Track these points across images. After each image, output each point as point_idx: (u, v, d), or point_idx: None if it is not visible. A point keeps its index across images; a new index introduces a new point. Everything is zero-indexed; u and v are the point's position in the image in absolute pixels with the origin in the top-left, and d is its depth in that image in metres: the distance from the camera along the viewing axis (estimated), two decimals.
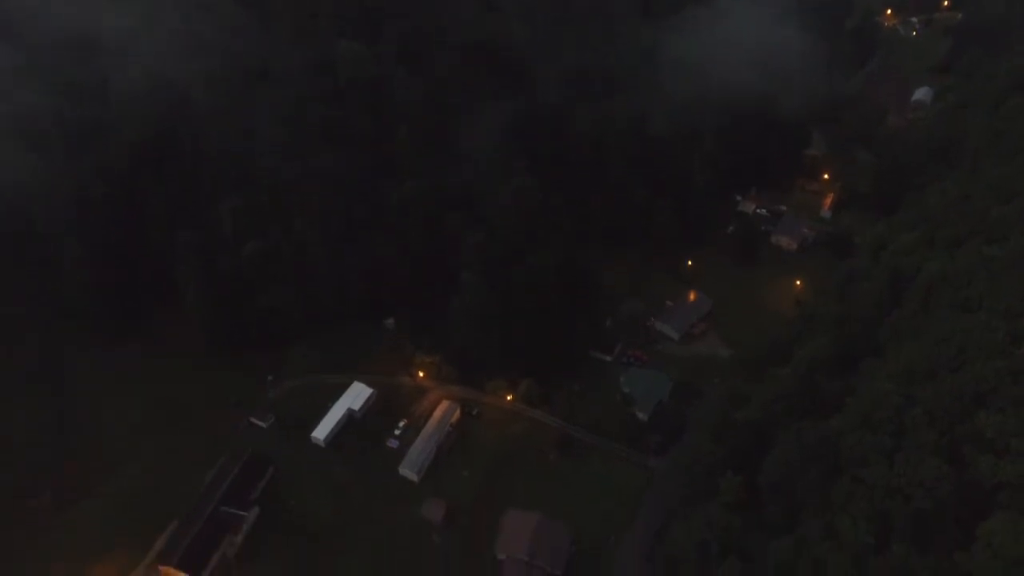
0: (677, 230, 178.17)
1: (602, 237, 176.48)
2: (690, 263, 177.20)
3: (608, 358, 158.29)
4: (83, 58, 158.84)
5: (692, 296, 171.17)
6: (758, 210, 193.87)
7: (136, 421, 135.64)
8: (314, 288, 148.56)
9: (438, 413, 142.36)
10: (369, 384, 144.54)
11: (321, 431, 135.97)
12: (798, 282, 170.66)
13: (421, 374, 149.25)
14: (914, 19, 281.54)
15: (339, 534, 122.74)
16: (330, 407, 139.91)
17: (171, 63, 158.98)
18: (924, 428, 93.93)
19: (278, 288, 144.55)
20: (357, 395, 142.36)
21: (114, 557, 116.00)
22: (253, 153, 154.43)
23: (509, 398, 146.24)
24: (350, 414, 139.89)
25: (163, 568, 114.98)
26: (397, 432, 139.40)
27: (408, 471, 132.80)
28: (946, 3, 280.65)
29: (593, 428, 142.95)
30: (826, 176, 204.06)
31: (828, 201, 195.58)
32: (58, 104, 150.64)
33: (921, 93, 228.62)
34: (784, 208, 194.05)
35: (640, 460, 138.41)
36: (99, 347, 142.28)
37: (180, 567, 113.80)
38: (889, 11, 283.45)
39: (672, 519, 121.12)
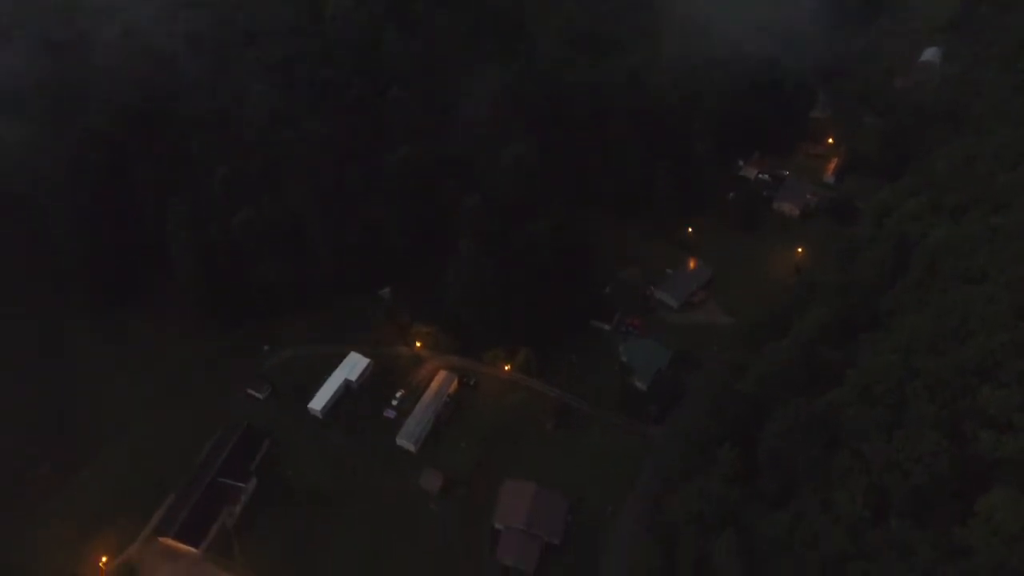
0: (677, 196, 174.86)
1: (601, 203, 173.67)
2: (690, 230, 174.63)
3: (607, 327, 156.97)
4: (64, 18, 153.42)
5: (692, 264, 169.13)
6: (760, 175, 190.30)
7: (132, 392, 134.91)
8: (308, 257, 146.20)
9: (435, 383, 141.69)
10: (365, 354, 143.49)
11: (318, 402, 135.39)
12: (799, 249, 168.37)
13: (418, 344, 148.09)
14: None
15: (337, 505, 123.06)
16: (326, 378, 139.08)
17: (155, 23, 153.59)
18: (925, 402, 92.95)
19: (271, 258, 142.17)
20: (353, 365, 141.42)
21: (114, 528, 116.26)
22: (242, 117, 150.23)
23: (507, 368, 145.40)
24: (347, 385, 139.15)
25: (162, 539, 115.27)
26: (394, 402, 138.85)
27: (405, 441, 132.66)
28: None
29: (591, 398, 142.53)
30: (831, 140, 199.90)
31: (832, 166, 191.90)
32: (40, 66, 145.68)
33: (929, 54, 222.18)
34: (787, 173, 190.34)
35: (638, 429, 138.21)
36: (95, 318, 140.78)
37: (179, 538, 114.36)
38: None
39: (669, 490, 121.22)
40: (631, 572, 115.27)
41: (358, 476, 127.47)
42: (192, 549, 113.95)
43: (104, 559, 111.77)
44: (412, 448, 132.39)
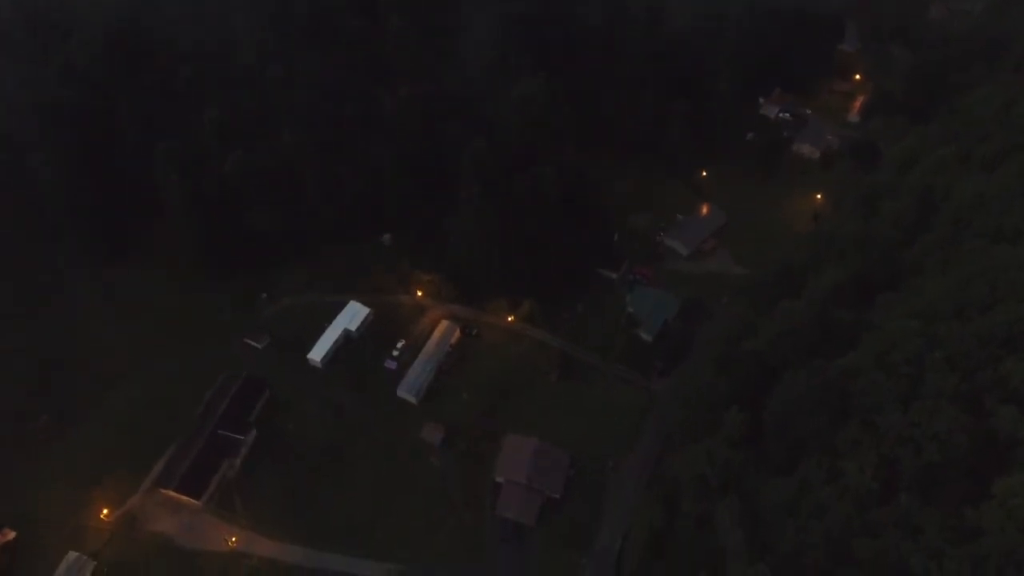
0: (692, 137, 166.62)
1: (612, 145, 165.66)
2: (704, 174, 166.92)
3: (614, 275, 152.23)
4: None
5: (705, 209, 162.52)
6: (781, 114, 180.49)
7: (128, 342, 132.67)
8: (305, 203, 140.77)
9: (437, 333, 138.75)
10: (366, 303, 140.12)
11: (317, 352, 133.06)
12: (818, 196, 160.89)
13: (419, 293, 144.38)
14: None
15: (337, 457, 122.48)
16: (326, 327, 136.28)
17: None
18: (944, 373, 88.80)
19: (266, 204, 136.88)
20: (353, 315, 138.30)
21: (114, 479, 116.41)
22: (233, 54, 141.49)
23: (510, 318, 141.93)
24: (346, 335, 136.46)
25: (163, 491, 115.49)
26: (395, 353, 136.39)
27: (406, 393, 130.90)
28: None
29: (596, 349, 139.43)
30: (857, 76, 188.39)
31: (857, 104, 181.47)
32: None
33: None
34: (809, 112, 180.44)
35: (643, 383, 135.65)
36: (87, 267, 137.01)
37: (179, 490, 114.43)
38: None
39: (672, 449, 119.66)
40: (632, 528, 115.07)
41: (359, 428, 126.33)
42: (193, 501, 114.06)
43: (105, 511, 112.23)
44: (413, 400, 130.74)
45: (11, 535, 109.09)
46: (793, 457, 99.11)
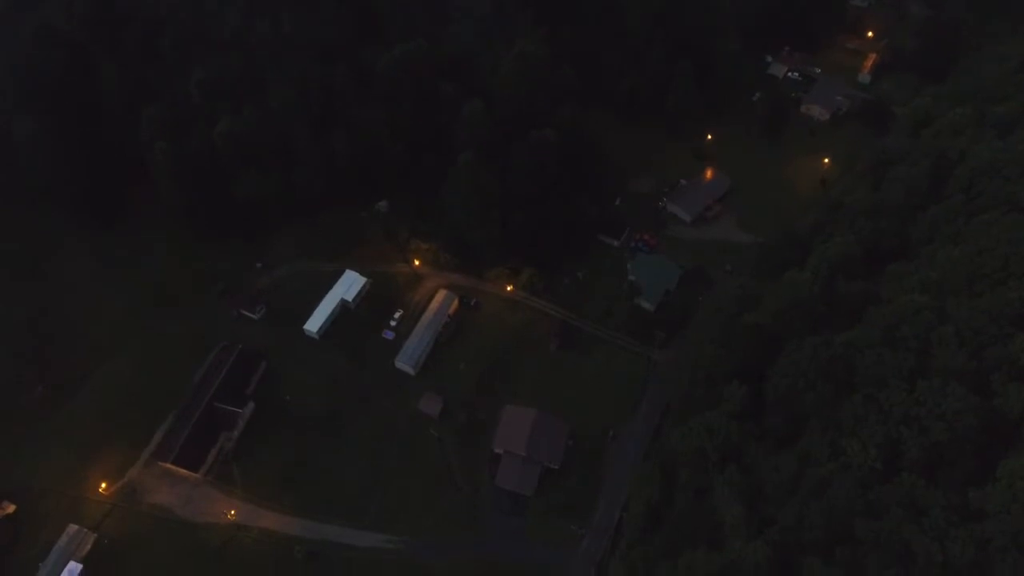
0: (697, 97, 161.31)
1: (614, 106, 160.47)
2: (709, 136, 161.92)
3: (615, 242, 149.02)
4: None
5: (709, 174, 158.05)
6: (790, 73, 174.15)
7: (123, 311, 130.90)
8: (296, 168, 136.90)
9: (435, 303, 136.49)
10: (362, 272, 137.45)
11: (314, 323, 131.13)
12: (826, 160, 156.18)
13: (417, 262, 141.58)
14: None
15: (335, 429, 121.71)
16: (322, 297, 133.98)
17: None
18: (953, 350, 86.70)
19: (257, 169, 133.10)
20: (350, 284, 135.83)
21: (113, 451, 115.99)
22: (220, 14, 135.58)
23: (509, 287, 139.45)
24: (343, 305, 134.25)
25: (162, 463, 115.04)
26: (392, 323, 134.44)
27: (404, 364, 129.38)
28: None
29: (597, 319, 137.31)
30: (870, 33, 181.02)
31: (869, 63, 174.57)
32: None
33: None
34: (818, 71, 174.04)
35: (644, 353, 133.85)
36: (77, 237, 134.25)
37: (178, 463, 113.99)
38: None
39: (671, 420, 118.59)
40: (629, 499, 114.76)
41: (356, 400, 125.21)
42: (191, 474, 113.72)
43: (104, 484, 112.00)
44: (411, 371, 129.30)
45: (11, 508, 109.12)
46: (795, 432, 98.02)
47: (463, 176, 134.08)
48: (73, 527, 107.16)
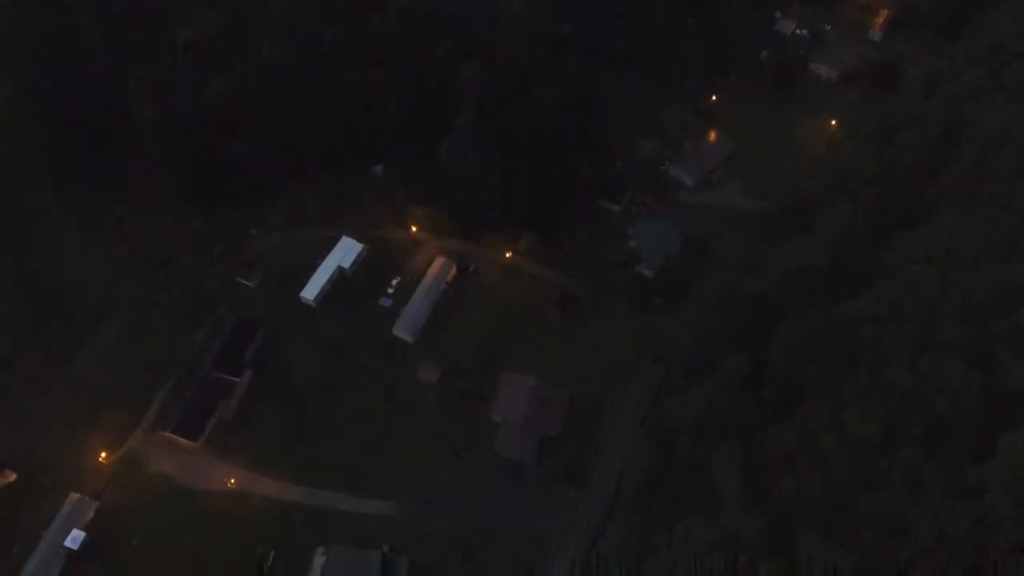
0: (702, 54, 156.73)
1: (615, 64, 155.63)
2: (714, 98, 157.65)
3: (616, 207, 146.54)
4: None
5: (712, 136, 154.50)
6: (798, 31, 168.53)
7: (116, 278, 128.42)
8: (290, 131, 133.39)
9: (433, 270, 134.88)
10: (359, 238, 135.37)
11: (310, 291, 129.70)
12: (833, 122, 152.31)
13: (414, 227, 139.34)
14: None
15: (333, 397, 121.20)
16: (318, 264, 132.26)
17: None
18: (956, 324, 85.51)
19: (249, 132, 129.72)
20: (347, 251, 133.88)
21: (111, 419, 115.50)
22: None
23: (508, 254, 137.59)
24: (340, 272, 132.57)
25: (160, 432, 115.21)
26: (390, 291, 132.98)
27: (402, 332, 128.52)
28: None
29: (597, 285, 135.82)
30: None
31: (881, 19, 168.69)
32: None
33: None
34: (828, 28, 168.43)
35: (644, 320, 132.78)
36: (67, 203, 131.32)
37: (177, 432, 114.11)
38: None
39: (670, 388, 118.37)
40: (627, 466, 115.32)
41: (354, 367, 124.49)
42: (191, 443, 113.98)
43: (104, 454, 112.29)
44: (409, 339, 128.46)
45: (12, 476, 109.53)
46: (794, 404, 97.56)
47: (461, 138, 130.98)
48: (75, 495, 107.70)
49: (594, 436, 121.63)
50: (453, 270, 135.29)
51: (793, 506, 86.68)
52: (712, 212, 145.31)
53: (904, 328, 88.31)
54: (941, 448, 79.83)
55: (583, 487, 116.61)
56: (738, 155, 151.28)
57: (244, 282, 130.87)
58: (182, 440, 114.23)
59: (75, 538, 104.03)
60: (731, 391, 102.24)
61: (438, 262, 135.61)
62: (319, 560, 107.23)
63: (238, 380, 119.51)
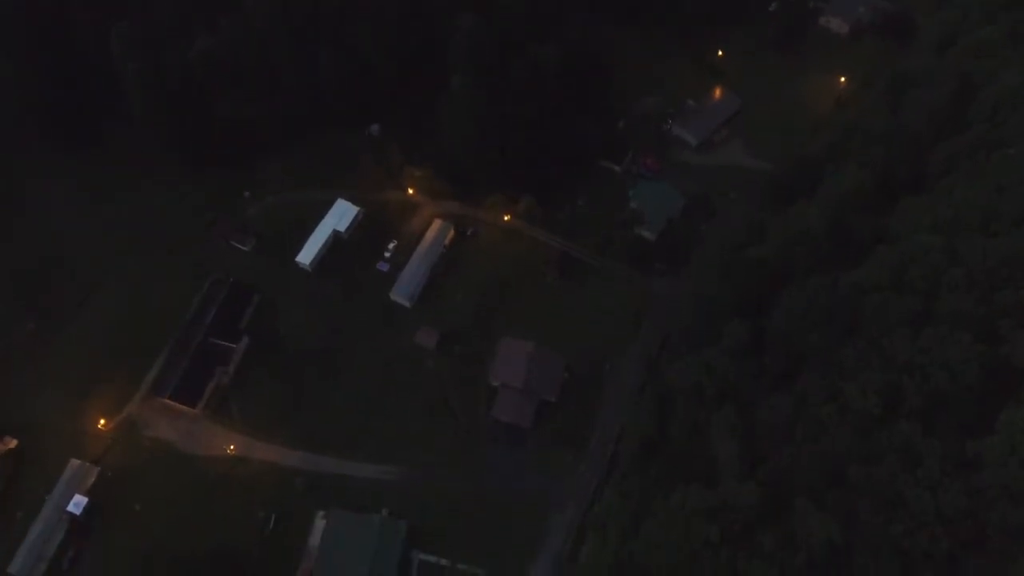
0: (709, 6, 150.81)
1: (617, 14, 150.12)
2: (720, 52, 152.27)
3: (617, 168, 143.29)
4: None
5: (718, 93, 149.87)
6: None
7: (108, 243, 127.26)
8: (281, 90, 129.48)
9: (430, 233, 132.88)
10: (354, 201, 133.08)
11: (306, 255, 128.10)
12: (843, 79, 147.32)
13: (411, 190, 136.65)
14: None
15: (331, 362, 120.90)
16: (314, 227, 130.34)
17: None
18: (961, 294, 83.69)
19: (238, 91, 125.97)
20: (342, 214, 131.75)
21: (109, 386, 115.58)
22: None
23: (507, 216, 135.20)
24: (336, 236, 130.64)
25: (158, 399, 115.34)
26: (387, 254, 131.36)
27: (400, 297, 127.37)
28: None
29: (596, 248, 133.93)
30: None
31: None
32: None
33: None
34: None
35: (644, 283, 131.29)
36: (56, 167, 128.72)
37: (175, 399, 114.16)
38: None
39: (669, 354, 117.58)
40: (625, 430, 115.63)
41: (352, 333, 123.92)
42: (190, 409, 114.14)
43: (103, 421, 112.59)
44: (407, 304, 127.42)
45: (12, 443, 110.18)
46: (794, 372, 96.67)
47: (458, 96, 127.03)
48: (75, 461, 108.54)
49: (593, 400, 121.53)
50: (451, 233, 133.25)
51: (790, 476, 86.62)
52: (716, 173, 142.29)
53: (907, 299, 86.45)
54: (940, 422, 79.02)
55: (581, 451, 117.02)
56: (744, 113, 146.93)
57: (238, 246, 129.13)
58: (181, 406, 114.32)
59: (78, 503, 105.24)
60: (731, 358, 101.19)
61: (436, 225, 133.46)
62: (320, 523, 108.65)
63: (235, 346, 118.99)
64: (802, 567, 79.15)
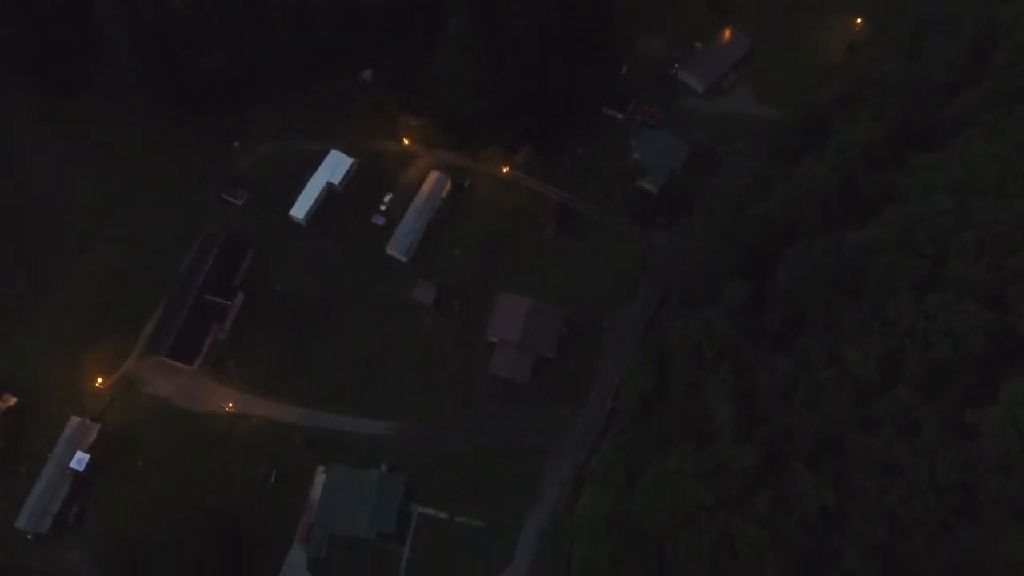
0: None
1: None
2: None
3: (620, 115, 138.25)
4: None
5: (727, 35, 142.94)
6: None
7: (97, 197, 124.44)
8: (268, 33, 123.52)
9: (427, 186, 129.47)
10: (348, 151, 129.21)
11: (300, 208, 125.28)
12: (858, 21, 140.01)
13: (407, 140, 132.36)
14: None
15: (327, 317, 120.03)
16: (307, 179, 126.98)
17: None
18: (971, 258, 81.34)
19: (223, 36, 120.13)
20: (336, 166, 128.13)
21: (106, 343, 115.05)
22: None
23: (505, 168, 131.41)
24: (330, 188, 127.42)
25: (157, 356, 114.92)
26: (383, 207, 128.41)
27: (396, 251, 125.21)
28: None
29: (597, 201, 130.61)
30: None
31: None
32: None
33: None
34: None
35: (645, 237, 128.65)
36: (38, 117, 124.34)
37: (171, 356, 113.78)
38: None
39: (669, 312, 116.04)
40: (624, 387, 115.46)
41: (348, 288, 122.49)
42: (187, 366, 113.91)
43: (100, 379, 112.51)
44: (403, 258, 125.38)
45: (12, 400, 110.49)
46: (794, 334, 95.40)
47: (454, 41, 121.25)
48: (76, 419, 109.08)
49: (591, 357, 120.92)
50: (448, 186, 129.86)
51: (787, 440, 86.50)
52: (722, 121, 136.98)
53: (914, 262, 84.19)
54: (942, 389, 78.10)
55: (579, 406, 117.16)
56: (753, 56, 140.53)
57: (230, 200, 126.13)
58: (178, 364, 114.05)
59: (80, 460, 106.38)
60: (731, 317, 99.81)
61: (432, 177, 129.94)
62: (320, 479, 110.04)
63: (230, 303, 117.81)
64: (795, 531, 79.80)
